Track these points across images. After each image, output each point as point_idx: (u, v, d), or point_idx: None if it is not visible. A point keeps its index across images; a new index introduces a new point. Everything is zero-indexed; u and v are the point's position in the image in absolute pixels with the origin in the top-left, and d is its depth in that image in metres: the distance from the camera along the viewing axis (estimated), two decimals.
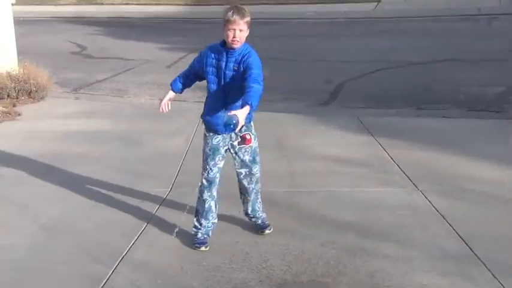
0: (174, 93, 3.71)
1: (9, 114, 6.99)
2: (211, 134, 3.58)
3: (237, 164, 3.64)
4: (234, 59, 3.42)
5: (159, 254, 3.54)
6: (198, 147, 3.72)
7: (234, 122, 3.05)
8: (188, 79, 3.71)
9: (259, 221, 3.81)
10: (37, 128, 6.42)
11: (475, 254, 3.47)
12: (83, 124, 6.54)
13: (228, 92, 3.46)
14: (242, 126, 3.26)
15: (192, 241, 3.62)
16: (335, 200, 4.34)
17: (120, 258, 3.45)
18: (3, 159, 5.27)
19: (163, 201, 4.27)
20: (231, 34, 3.36)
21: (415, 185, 4.57)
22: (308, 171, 4.96)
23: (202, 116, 3.62)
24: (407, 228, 3.85)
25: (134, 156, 5.40)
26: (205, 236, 3.65)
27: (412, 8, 14.63)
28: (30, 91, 7.61)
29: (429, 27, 12.90)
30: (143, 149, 5.64)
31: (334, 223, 3.94)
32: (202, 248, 3.58)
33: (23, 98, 7.57)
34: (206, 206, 3.63)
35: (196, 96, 6.69)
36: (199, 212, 3.67)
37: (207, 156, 3.59)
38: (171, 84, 3.72)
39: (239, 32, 3.37)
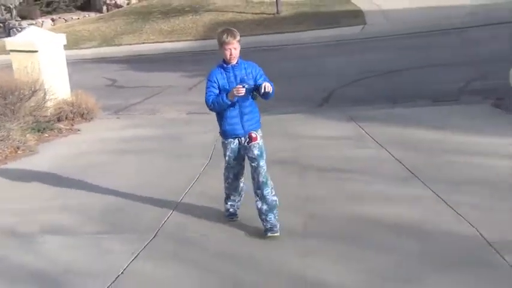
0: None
1: (71, 130, 8.94)
2: (230, 140, 4.22)
3: (249, 160, 4.24)
4: (239, 72, 4.09)
5: (209, 188, 5.33)
6: None
7: (247, 81, 3.99)
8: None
9: (268, 225, 4.20)
10: (97, 137, 8.32)
11: (416, 176, 5.31)
12: (131, 132, 8.44)
13: (241, 100, 4.09)
14: (265, 90, 3.99)
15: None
16: (326, 158, 6.19)
17: (184, 193, 5.36)
18: (86, 155, 7.22)
19: (206, 165, 6.19)
20: (228, 53, 4.04)
21: (382, 146, 6.42)
22: (308, 145, 6.83)
23: (222, 127, 4.24)
24: (373, 168, 5.71)
25: (178, 146, 7.31)
26: (235, 210, 4.52)
27: (395, 27, 16.59)
28: (83, 113, 9.56)
29: (409, 42, 14.74)
30: (183, 142, 7.53)
31: (324, 168, 5.82)
32: (234, 219, 4.51)
33: (77, 119, 9.50)
34: (232, 187, 4.43)
35: None
36: (226, 193, 4.50)
37: (229, 158, 4.28)
38: (223, 99, 4.04)
39: (234, 50, 4.03)
